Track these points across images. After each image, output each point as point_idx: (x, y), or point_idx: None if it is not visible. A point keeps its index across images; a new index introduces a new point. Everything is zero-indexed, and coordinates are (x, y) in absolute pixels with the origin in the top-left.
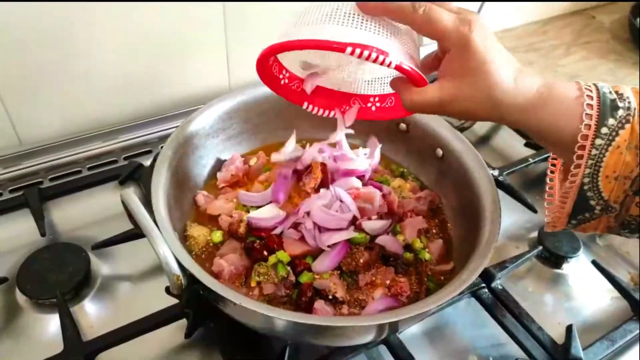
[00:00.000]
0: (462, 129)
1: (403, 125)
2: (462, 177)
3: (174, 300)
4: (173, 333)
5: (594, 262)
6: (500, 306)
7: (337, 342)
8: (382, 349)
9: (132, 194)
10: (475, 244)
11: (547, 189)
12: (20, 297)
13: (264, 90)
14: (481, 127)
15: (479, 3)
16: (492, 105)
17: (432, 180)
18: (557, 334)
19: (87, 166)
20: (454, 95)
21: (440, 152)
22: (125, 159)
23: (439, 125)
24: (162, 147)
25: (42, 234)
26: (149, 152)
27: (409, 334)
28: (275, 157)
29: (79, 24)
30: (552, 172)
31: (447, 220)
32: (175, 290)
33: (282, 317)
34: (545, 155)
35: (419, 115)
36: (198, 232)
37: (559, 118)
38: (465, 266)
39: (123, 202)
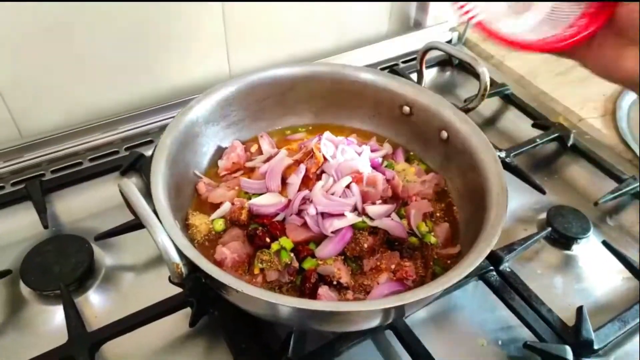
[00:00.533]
0: (467, 110)
1: (406, 109)
2: (468, 159)
3: (178, 290)
4: (177, 322)
5: (604, 243)
6: (509, 289)
7: (343, 327)
8: (389, 334)
9: (130, 184)
10: (482, 227)
11: None
12: (25, 289)
13: (264, 76)
14: (487, 108)
15: None
16: None
17: (438, 163)
18: (567, 315)
19: (89, 157)
20: None
21: (445, 134)
22: (126, 149)
23: (443, 106)
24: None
25: (45, 226)
26: (150, 142)
27: (416, 319)
28: (250, 163)
29: (78, 15)
30: None
31: (453, 203)
32: (175, 279)
33: (286, 304)
34: (553, 136)
35: (422, 97)
36: (200, 220)
37: None
38: (472, 249)
39: (121, 192)
